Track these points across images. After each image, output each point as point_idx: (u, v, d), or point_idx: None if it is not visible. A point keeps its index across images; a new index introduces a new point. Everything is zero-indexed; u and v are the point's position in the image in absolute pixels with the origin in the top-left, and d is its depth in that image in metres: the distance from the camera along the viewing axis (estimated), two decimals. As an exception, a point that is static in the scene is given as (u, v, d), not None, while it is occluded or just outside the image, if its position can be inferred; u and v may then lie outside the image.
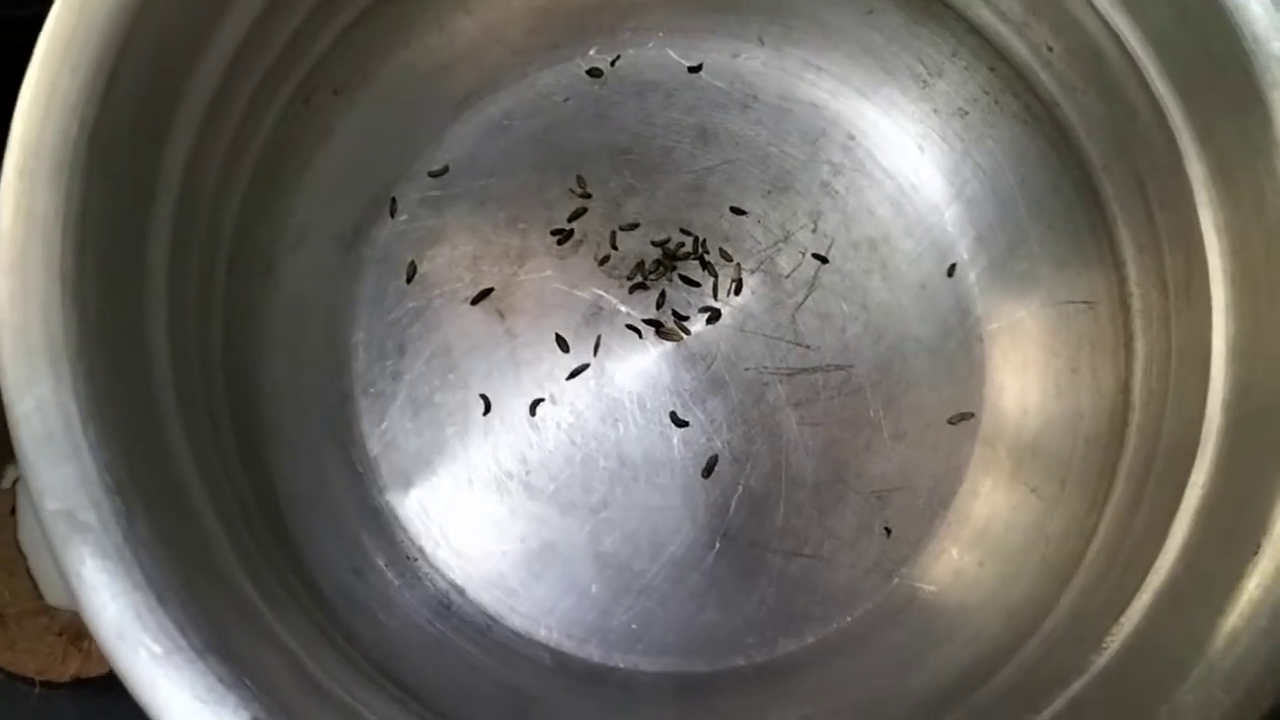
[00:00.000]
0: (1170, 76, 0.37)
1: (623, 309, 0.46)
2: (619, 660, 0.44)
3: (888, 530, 0.45)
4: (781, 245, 0.47)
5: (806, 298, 0.46)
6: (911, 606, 0.44)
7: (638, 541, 0.44)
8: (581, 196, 0.47)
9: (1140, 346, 0.42)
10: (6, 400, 0.30)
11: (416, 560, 0.44)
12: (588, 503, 0.45)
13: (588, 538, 0.44)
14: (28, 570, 0.49)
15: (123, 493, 0.30)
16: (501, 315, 0.46)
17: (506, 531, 0.44)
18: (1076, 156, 0.43)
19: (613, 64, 0.48)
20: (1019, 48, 0.43)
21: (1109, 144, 0.41)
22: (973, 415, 0.46)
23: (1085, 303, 0.44)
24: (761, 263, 0.47)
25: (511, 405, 0.45)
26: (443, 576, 0.44)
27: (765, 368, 0.46)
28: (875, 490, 0.45)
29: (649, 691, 0.43)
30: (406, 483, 0.45)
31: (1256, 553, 0.31)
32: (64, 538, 0.29)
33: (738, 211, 0.47)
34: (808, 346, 0.46)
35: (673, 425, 0.45)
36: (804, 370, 0.46)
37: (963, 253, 0.47)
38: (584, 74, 0.48)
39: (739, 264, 0.46)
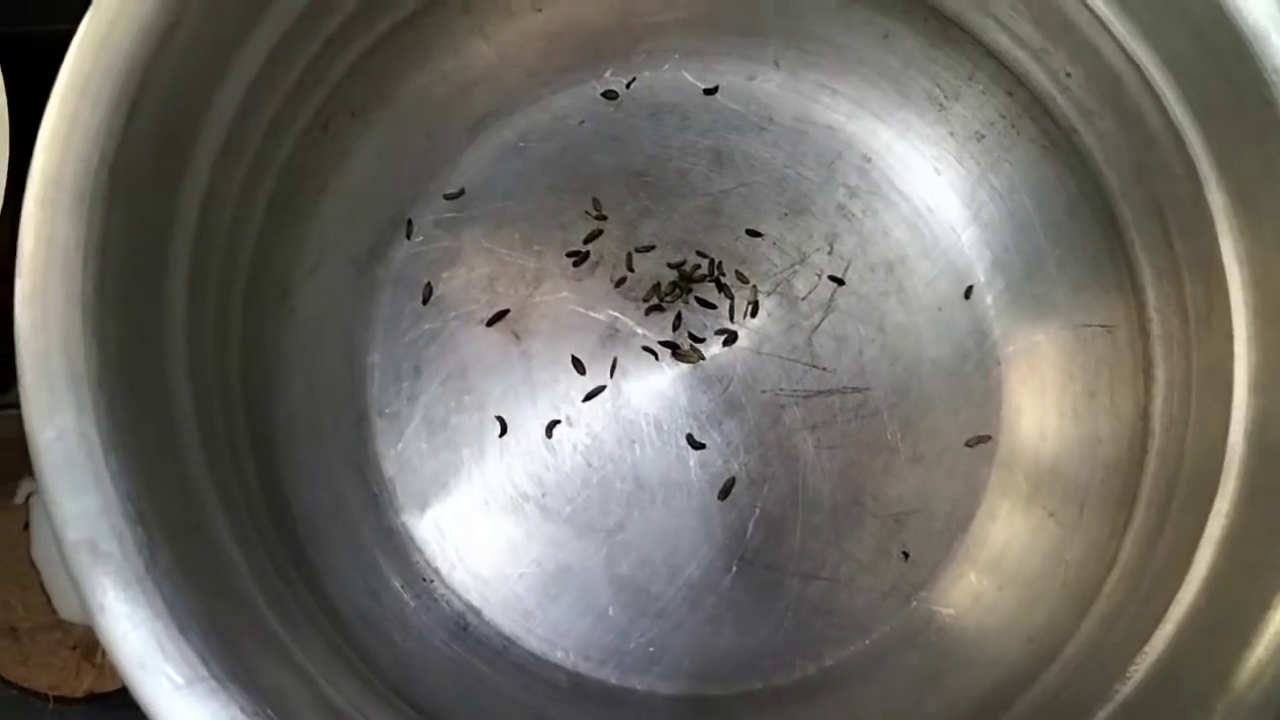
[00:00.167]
0: (1190, 104, 0.37)
1: (639, 331, 0.46)
2: (636, 683, 0.44)
3: (905, 554, 0.45)
4: (798, 267, 0.47)
5: (823, 320, 0.46)
6: (929, 630, 0.44)
7: (654, 564, 0.44)
8: (597, 219, 0.47)
9: (1160, 372, 0.41)
10: (28, 429, 0.30)
11: (433, 582, 0.44)
12: (604, 525, 0.44)
13: (604, 560, 0.44)
14: (41, 585, 0.49)
15: (144, 522, 0.30)
16: (517, 337, 0.46)
17: (523, 553, 0.44)
18: (1094, 182, 0.43)
19: (628, 86, 0.48)
20: (1036, 73, 0.43)
21: (1127, 170, 0.41)
22: (990, 438, 0.46)
23: (1103, 327, 0.44)
24: (778, 285, 0.47)
25: (527, 427, 0.45)
26: (459, 598, 0.44)
27: (782, 390, 0.46)
28: (892, 513, 0.45)
29: (665, 715, 0.43)
30: (423, 504, 0.45)
31: (1282, 584, 0.31)
32: (86, 568, 0.29)
33: (754, 234, 0.47)
34: (824, 369, 0.46)
35: (689, 447, 0.45)
36: (820, 393, 0.46)
37: (980, 275, 0.47)
38: (599, 96, 0.48)
39: (755, 286, 0.46)
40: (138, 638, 0.29)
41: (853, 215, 0.47)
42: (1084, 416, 0.44)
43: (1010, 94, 0.45)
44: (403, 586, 0.43)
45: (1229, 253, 0.37)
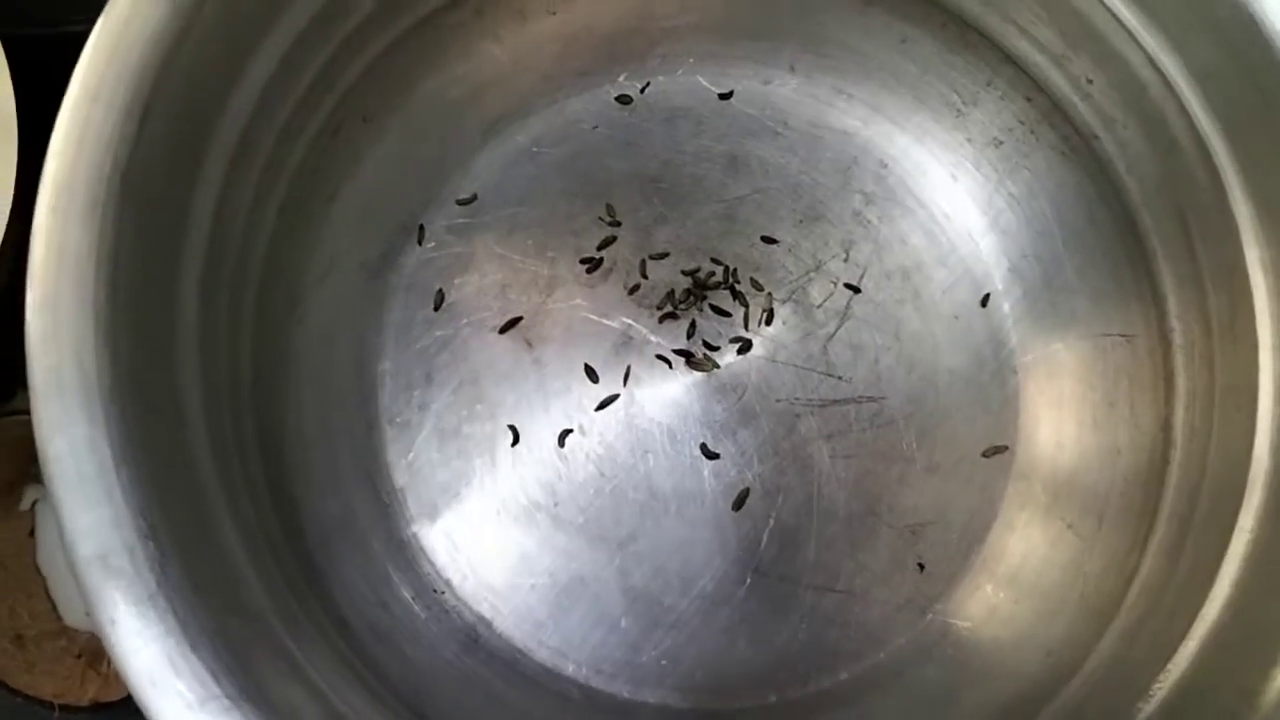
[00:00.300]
0: (1215, 113, 0.36)
1: (653, 339, 0.45)
2: (648, 696, 0.43)
3: (921, 565, 0.44)
4: (813, 275, 0.46)
5: (838, 328, 0.46)
6: (945, 643, 0.43)
7: (668, 575, 0.44)
8: (611, 225, 0.46)
9: (1181, 383, 0.41)
10: (39, 440, 0.29)
11: (443, 593, 0.44)
12: (617, 535, 0.44)
13: (617, 571, 0.44)
14: (46, 592, 0.49)
15: (156, 537, 0.29)
16: (530, 344, 0.45)
17: (534, 564, 0.44)
18: (1115, 189, 0.42)
19: (642, 91, 0.47)
20: (1057, 79, 0.42)
21: (1150, 178, 0.41)
22: (1007, 448, 0.45)
23: (1123, 336, 0.43)
24: (793, 292, 0.46)
25: (540, 436, 0.45)
26: (470, 609, 0.44)
27: (797, 399, 0.45)
28: (908, 524, 0.45)
29: (678, 728, 0.43)
30: (433, 514, 0.44)
31: (1310, 603, 0.31)
32: (97, 583, 0.29)
33: (769, 240, 0.46)
34: (840, 378, 0.45)
35: (703, 457, 0.45)
36: (836, 402, 0.45)
37: (997, 283, 0.46)
38: (613, 101, 0.47)
39: (770, 294, 0.46)
40: (149, 654, 0.28)
41: (869, 222, 0.47)
42: (1103, 427, 0.44)
43: (1029, 100, 0.45)
44: (413, 598, 0.43)
45: (1254, 261, 0.37)
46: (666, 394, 0.45)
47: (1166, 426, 0.41)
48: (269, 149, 0.38)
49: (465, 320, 0.45)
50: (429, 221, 0.46)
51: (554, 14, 0.46)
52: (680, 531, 0.44)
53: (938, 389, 0.46)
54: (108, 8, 0.31)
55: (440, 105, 0.45)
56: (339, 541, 0.41)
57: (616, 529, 0.44)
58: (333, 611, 0.39)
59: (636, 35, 0.47)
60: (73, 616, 0.48)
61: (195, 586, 0.30)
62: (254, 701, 0.29)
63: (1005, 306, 0.46)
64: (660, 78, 0.47)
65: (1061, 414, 0.45)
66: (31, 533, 0.49)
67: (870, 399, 0.45)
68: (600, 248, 0.46)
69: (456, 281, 0.45)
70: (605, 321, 0.45)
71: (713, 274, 0.46)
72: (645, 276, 0.46)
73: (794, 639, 0.44)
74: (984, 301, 0.46)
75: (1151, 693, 0.34)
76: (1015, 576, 0.44)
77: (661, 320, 0.45)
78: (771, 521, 0.44)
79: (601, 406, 0.45)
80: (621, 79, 0.47)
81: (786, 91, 0.47)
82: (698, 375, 0.45)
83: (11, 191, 0.41)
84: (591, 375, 0.45)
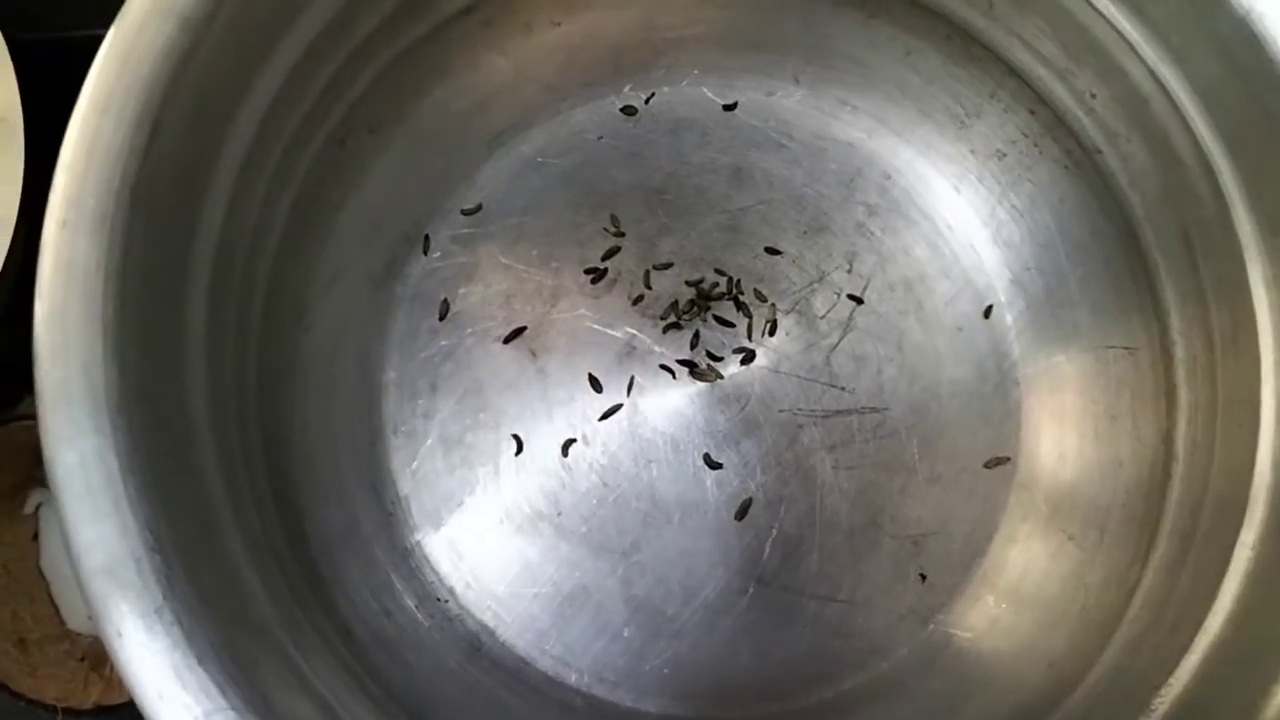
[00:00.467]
0: (1219, 129, 0.36)
1: (656, 349, 0.46)
2: (651, 706, 0.43)
3: (923, 576, 0.44)
4: (816, 286, 0.46)
5: (841, 339, 0.46)
6: (947, 654, 0.44)
7: (670, 585, 0.44)
8: (615, 235, 0.46)
9: (1183, 396, 0.41)
10: (46, 454, 0.29)
11: (447, 602, 0.44)
12: (620, 545, 0.44)
13: (620, 581, 0.44)
14: (49, 595, 0.49)
15: (163, 550, 0.29)
16: (534, 354, 0.45)
17: (538, 573, 0.44)
18: (1118, 203, 0.42)
19: (647, 101, 0.47)
20: (1060, 93, 0.42)
21: (1152, 193, 0.41)
22: (1009, 460, 0.45)
23: (1125, 349, 0.44)
24: (796, 303, 0.46)
25: (543, 445, 0.45)
26: (473, 617, 0.44)
27: (799, 410, 0.45)
28: (910, 535, 0.45)
29: (680, 737, 0.43)
30: (437, 523, 0.44)
31: (1311, 619, 0.31)
32: (104, 595, 0.29)
33: (772, 251, 0.46)
34: (842, 388, 0.46)
35: (706, 467, 0.45)
36: (839, 412, 0.45)
37: (1000, 295, 0.46)
38: (618, 112, 0.47)
39: (774, 304, 0.46)
40: (156, 667, 0.29)
41: (872, 233, 0.47)
42: (1105, 439, 0.44)
43: (1033, 112, 0.45)
44: (416, 606, 0.43)
45: (1257, 277, 0.37)
46: (670, 404, 0.45)
47: (1168, 440, 0.41)
48: (276, 160, 0.38)
49: (470, 330, 0.45)
50: (434, 231, 0.46)
51: (559, 25, 0.46)
52: (683, 541, 0.44)
53: (940, 400, 0.46)
54: (118, 21, 0.31)
55: (446, 116, 0.45)
56: (343, 550, 0.42)
57: (619, 538, 0.44)
58: (336, 620, 0.39)
59: (642, 46, 0.47)
60: (76, 620, 0.48)
61: (202, 598, 0.30)
62: (259, 713, 0.29)
63: (1008, 318, 0.46)
64: (665, 89, 0.47)
65: (1063, 426, 0.45)
66: (35, 536, 0.49)
67: (873, 410, 0.45)
68: (605, 258, 0.46)
69: (461, 291, 0.46)
70: (609, 331, 0.46)
71: (716, 285, 0.46)
72: (649, 287, 0.46)
73: (796, 649, 0.44)
74: (987, 313, 0.46)
75: (1153, 707, 0.34)
76: (1017, 588, 0.44)
77: (665, 330, 0.46)
78: (774, 532, 0.44)
79: (605, 416, 0.45)
80: (626, 90, 0.47)
81: (791, 103, 0.48)
82: (701, 385, 0.45)
83: (19, 197, 0.41)
84: (595, 385, 0.45)
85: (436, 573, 0.44)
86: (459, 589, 0.44)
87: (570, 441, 0.45)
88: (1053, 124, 0.44)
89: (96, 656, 0.49)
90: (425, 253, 0.46)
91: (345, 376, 0.44)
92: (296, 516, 0.40)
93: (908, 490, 0.45)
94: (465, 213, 0.46)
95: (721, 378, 0.45)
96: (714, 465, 0.45)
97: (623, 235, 0.46)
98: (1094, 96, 0.41)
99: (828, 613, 0.44)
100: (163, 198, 0.32)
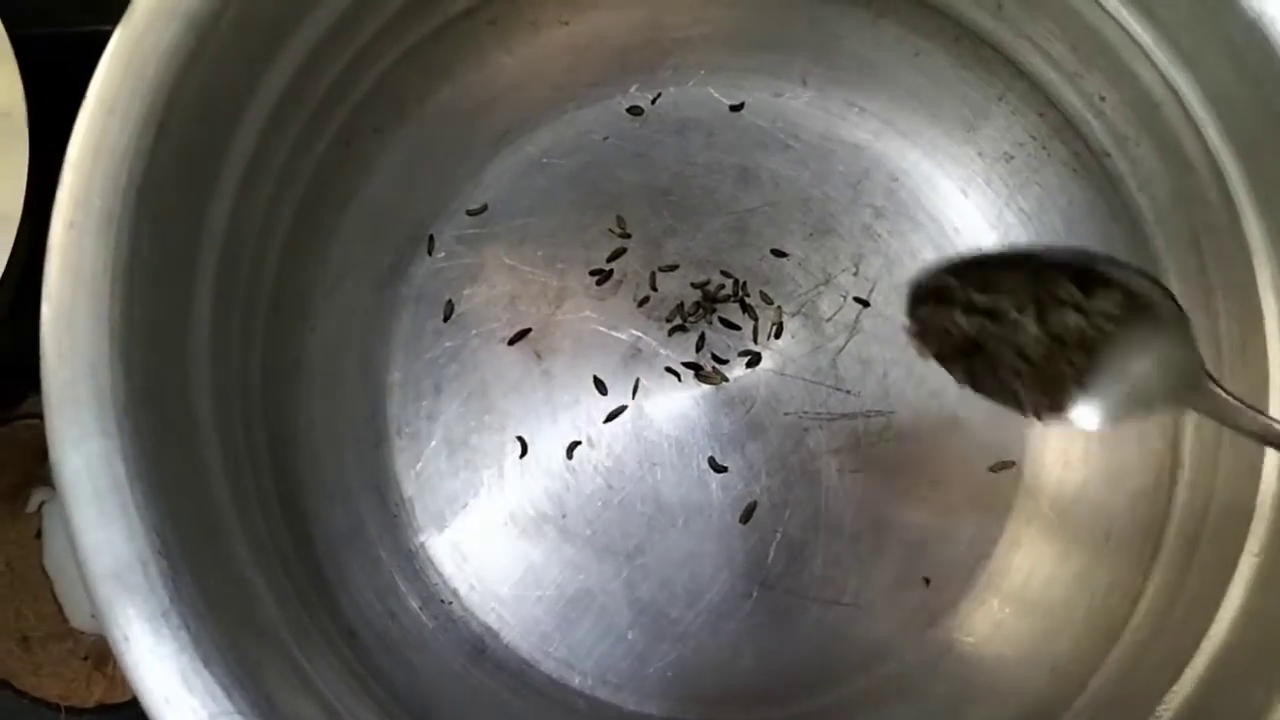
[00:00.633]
0: (1229, 134, 0.36)
1: (662, 351, 0.45)
2: (654, 708, 0.43)
3: (927, 580, 0.44)
4: (823, 288, 0.46)
5: (847, 342, 0.46)
6: (951, 658, 0.44)
7: (674, 588, 0.44)
8: (621, 236, 0.46)
9: (1190, 401, 0.41)
10: (53, 457, 0.29)
11: (451, 603, 0.44)
12: (624, 548, 0.44)
13: (624, 583, 0.44)
14: (53, 594, 0.49)
15: (169, 554, 0.29)
16: (539, 356, 0.45)
17: (542, 575, 0.44)
18: (1126, 207, 0.42)
19: (653, 102, 0.47)
20: (1070, 96, 0.42)
21: (1162, 197, 0.41)
22: (1014, 464, 0.45)
23: (1132, 353, 0.43)
24: (802, 306, 0.46)
25: (548, 447, 0.45)
26: (477, 619, 0.44)
27: (805, 413, 0.45)
28: (915, 539, 0.45)
29: (683, 741, 0.43)
30: (441, 525, 0.44)
31: (1318, 628, 0.31)
32: (111, 599, 0.29)
33: (779, 254, 0.46)
34: (848, 392, 0.45)
35: (711, 470, 0.45)
36: (844, 416, 0.45)
37: (1006, 298, 0.46)
38: (624, 112, 0.47)
39: (780, 307, 0.46)
40: (163, 670, 0.29)
41: (879, 236, 0.47)
42: (1111, 444, 0.44)
43: (1041, 115, 0.45)
44: (421, 608, 0.43)
45: (1266, 284, 0.37)
46: (675, 407, 0.45)
47: (1175, 445, 0.41)
48: (282, 160, 0.38)
49: (474, 331, 0.45)
50: (439, 232, 0.46)
51: (566, 25, 0.46)
52: (687, 544, 0.44)
53: (946, 404, 0.46)
54: (124, 21, 0.31)
55: (451, 116, 0.45)
56: (347, 552, 0.42)
57: (624, 541, 0.44)
58: (341, 622, 0.39)
59: (648, 46, 0.47)
60: (79, 618, 0.48)
61: (208, 601, 0.30)
62: (265, 716, 0.29)
63: (1014, 322, 0.46)
64: (671, 89, 0.47)
65: (1070, 431, 0.45)
66: (38, 534, 0.49)
67: (879, 413, 0.45)
68: (610, 259, 0.46)
69: (466, 292, 0.46)
70: (614, 334, 0.45)
71: (722, 287, 0.46)
72: (655, 289, 0.46)
73: (800, 652, 0.44)
74: (993, 316, 0.46)
75: (1157, 714, 0.34)
76: (1021, 593, 0.44)
77: (671, 333, 0.46)
78: (779, 535, 0.44)
79: (610, 418, 0.45)
80: (633, 90, 0.47)
81: (798, 104, 0.47)
82: (706, 388, 0.45)
83: (23, 193, 0.41)
84: (600, 387, 0.45)
85: (440, 575, 0.44)
86: (463, 591, 0.44)
87: (575, 444, 0.45)
88: (1061, 127, 0.44)
89: (99, 655, 0.49)
90: (430, 253, 0.46)
91: (350, 377, 0.44)
92: (301, 518, 0.40)
93: (912, 494, 0.45)
94: (470, 213, 0.46)
95: (727, 380, 0.45)
96: (719, 468, 0.45)
97: (628, 236, 0.46)
98: (1103, 100, 0.41)
99: (832, 616, 0.44)
100: (169, 198, 0.32)
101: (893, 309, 0.46)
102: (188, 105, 0.32)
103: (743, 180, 0.47)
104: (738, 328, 0.46)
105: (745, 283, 0.46)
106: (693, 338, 0.46)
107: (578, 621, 0.44)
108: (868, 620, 0.44)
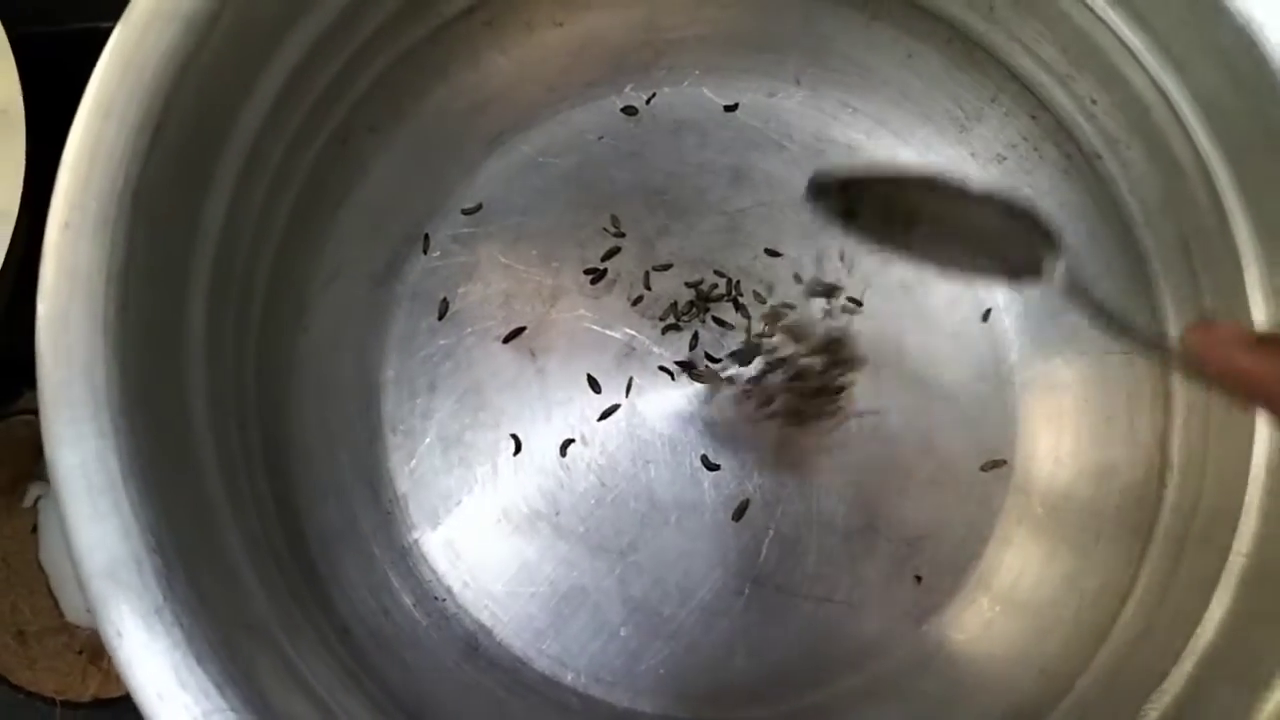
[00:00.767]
0: (1219, 139, 0.36)
1: (655, 350, 0.46)
2: (647, 706, 0.43)
3: (918, 578, 0.45)
4: (815, 288, 0.46)
5: (840, 341, 0.46)
6: (941, 656, 0.44)
7: (667, 586, 0.44)
8: (615, 236, 0.46)
9: (1179, 400, 0.41)
10: (48, 455, 0.30)
11: (444, 600, 0.44)
12: (618, 545, 0.44)
13: (617, 581, 0.44)
14: (48, 588, 0.49)
15: (163, 551, 0.29)
16: (533, 354, 0.46)
17: (535, 573, 0.44)
18: (1117, 209, 0.42)
19: (648, 102, 0.47)
20: (1061, 98, 0.43)
21: (1152, 199, 0.41)
22: (1005, 463, 0.45)
23: (1122, 353, 0.44)
24: (795, 305, 0.46)
25: (542, 445, 0.45)
26: (470, 616, 0.44)
27: (798, 412, 0.45)
28: (906, 537, 0.45)
29: (676, 738, 0.43)
30: (435, 522, 0.44)
31: (1304, 628, 0.31)
32: (105, 596, 0.29)
33: (772, 253, 0.47)
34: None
35: (704, 468, 0.45)
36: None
37: (998, 299, 0.47)
38: (619, 112, 0.47)
39: (773, 307, 0.46)
40: (156, 667, 0.29)
41: (871, 236, 0.47)
42: (1101, 443, 0.44)
43: (1033, 117, 0.45)
44: (414, 605, 0.43)
45: (1253, 284, 0.37)
46: (668, 405, 0.45)
47: (1164, 444, 0.42)
48: (278, 160, 0.38)
49: (469, 329, 0.45)
50: (434, 231, 0.46)
51: (561, 26, 0.46)
52: (680, 542, 0.44)
53: (937, 403, 0.46)
54: (121, 23, 0.31)
55: (447, 116, 0.45)
56: (341, 548, 0.42)
57: (617, 539, 0.44)
58: (334, 619, 0.40)
59: (643, 47, 0.47)
60: (74, 613, 0.49)
61: (201, 599, 0.30)
62: (258, 713, 0.30)
63: (1006, 322, 0.46)
64: (666, 89, 0.48)
65: (1060, 429, 0.45)
66: (34, 529, 0.49)
67: (871, 412, 0.46)
68: (604, 258, 0.46)
69: (461, 291, 0.46)
70: (608, 332, 0.46)
71: (715, 286, 0.46)
72: (649, 288, 0.46)
73: (791, 650, 0.44)
74: (985, 317, 0.47)
75: (1145, 713, 0.34)
76: (1011, 591, 0.44)
77: (664, 332, 0.46)
78: (771, 533, 0.45)
79: (603, 417, 0.45)
80: (627, 90, 0.47)
81: (791, 104, 0.48)
82: (699, 386, 0.45)
83: (20, 189, 0.41)
84: (594, 385, 0.45)
85: (434, 571, 0.44)
86: (456, 588, 0.44)
87: (569, 441, 0.45)
88: (1053, 129, 0.44)
89: (95, 649, 0.49)
90: (425, 252, 0.46)
91: (344, 375, 0.44)
92: (295, 516, 0.40)
93: (904, 492, 0.45)
94: (465, 212, 0.46)
95: (720, 379, 0.45)
96: (712, 466, 0.45)
97: (623, 236, 0.46)
98: (1095, 103, 0.41)
99: (823, 614, 0.44)
100: (164, 200, 0.32)
101: (885, 309, 0.46)
102: (184, 107, 0.32)
103: (736, 180, 0.47)
104: (731, 327, 0.46)
105: (738, 282, 0.46)
106: (686, 337, 0.46)
107: (571, 619, 0.44)
108: (859, 618, 0.44)
